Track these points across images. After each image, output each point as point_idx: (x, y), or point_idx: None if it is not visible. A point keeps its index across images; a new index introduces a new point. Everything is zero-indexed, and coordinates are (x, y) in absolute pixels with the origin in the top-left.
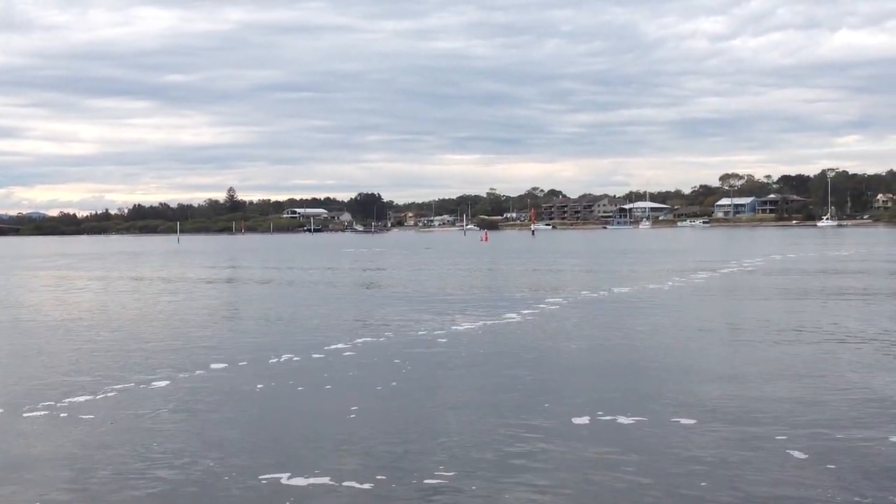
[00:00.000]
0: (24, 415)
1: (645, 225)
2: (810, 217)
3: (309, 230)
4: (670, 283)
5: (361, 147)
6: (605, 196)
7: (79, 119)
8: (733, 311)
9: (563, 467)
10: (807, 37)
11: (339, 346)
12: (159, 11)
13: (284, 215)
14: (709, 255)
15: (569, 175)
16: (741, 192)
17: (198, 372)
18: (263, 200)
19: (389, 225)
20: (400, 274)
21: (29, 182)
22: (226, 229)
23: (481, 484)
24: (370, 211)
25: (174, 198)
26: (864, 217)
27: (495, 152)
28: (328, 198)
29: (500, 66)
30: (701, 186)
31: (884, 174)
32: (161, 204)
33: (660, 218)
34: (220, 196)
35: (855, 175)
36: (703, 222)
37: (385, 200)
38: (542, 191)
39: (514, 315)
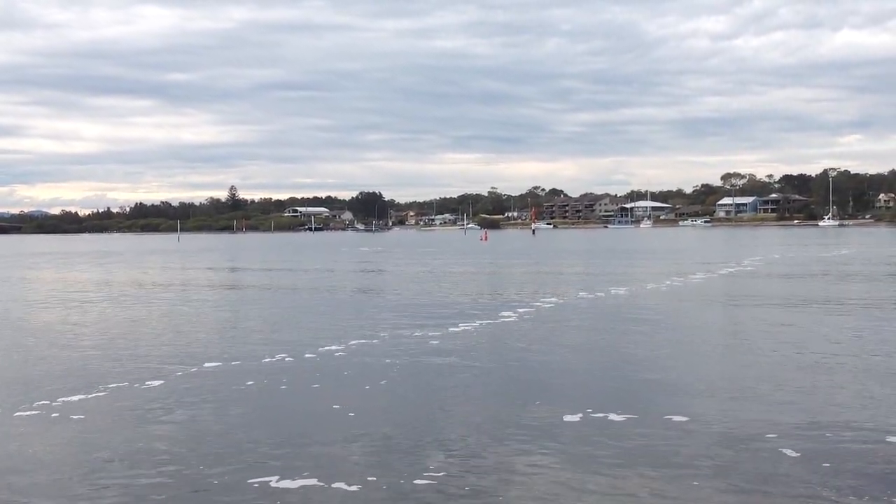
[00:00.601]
0: (17, 414)
1: (646, 224)
2: (812, 217)
3: (310, 229)
4: (668, 282)
5: (362, 146)
6: (607, 195)
7: (80, 117)
8: (729, 312)
9: (554, 465)
10: (808, 36)
11: (333, 347)
12: (161, 10)
13: (286, 214)
14: (709, 256)
15: (570, 174)
16: (743, 192)
17: (192, 369)
18: (265, 199)
19: (390, 224)
20: (398, 273)
21: (31, 180)
22: (227, 228)
23: (473, 483)
24: (371, 210)
25: (176, 196)
26: (866, 217)
27: (496, 151)
28: (329, 197)
29: (501, 66)
30: (702, 186)
31: (885, 174)
32: (163, 202)
33: (661, 217)
34: (222, 195)
35: (857, 175)
36: (705, 222)
37: (386, 199)
38: (543, 190)
39: (510, 314)
